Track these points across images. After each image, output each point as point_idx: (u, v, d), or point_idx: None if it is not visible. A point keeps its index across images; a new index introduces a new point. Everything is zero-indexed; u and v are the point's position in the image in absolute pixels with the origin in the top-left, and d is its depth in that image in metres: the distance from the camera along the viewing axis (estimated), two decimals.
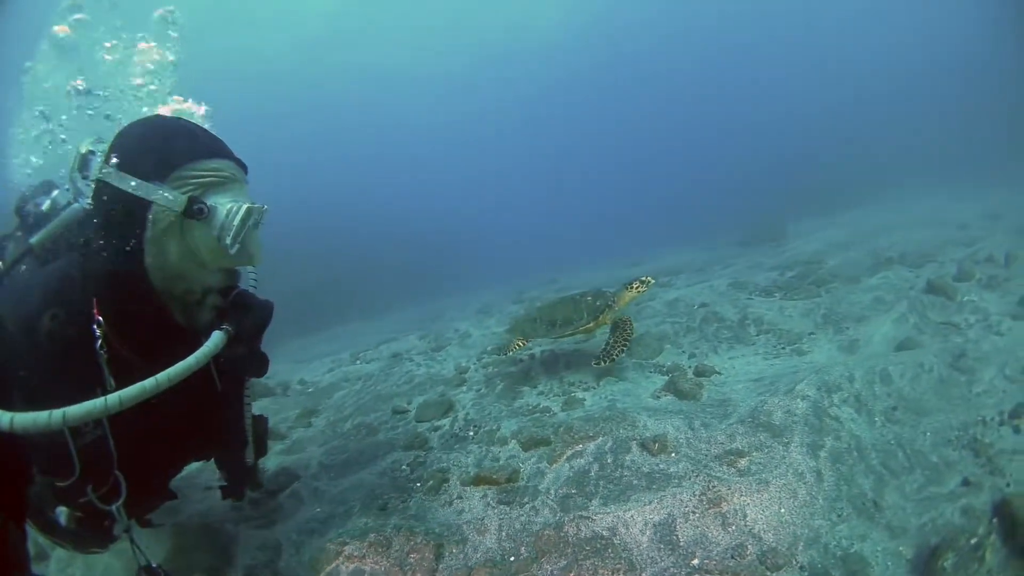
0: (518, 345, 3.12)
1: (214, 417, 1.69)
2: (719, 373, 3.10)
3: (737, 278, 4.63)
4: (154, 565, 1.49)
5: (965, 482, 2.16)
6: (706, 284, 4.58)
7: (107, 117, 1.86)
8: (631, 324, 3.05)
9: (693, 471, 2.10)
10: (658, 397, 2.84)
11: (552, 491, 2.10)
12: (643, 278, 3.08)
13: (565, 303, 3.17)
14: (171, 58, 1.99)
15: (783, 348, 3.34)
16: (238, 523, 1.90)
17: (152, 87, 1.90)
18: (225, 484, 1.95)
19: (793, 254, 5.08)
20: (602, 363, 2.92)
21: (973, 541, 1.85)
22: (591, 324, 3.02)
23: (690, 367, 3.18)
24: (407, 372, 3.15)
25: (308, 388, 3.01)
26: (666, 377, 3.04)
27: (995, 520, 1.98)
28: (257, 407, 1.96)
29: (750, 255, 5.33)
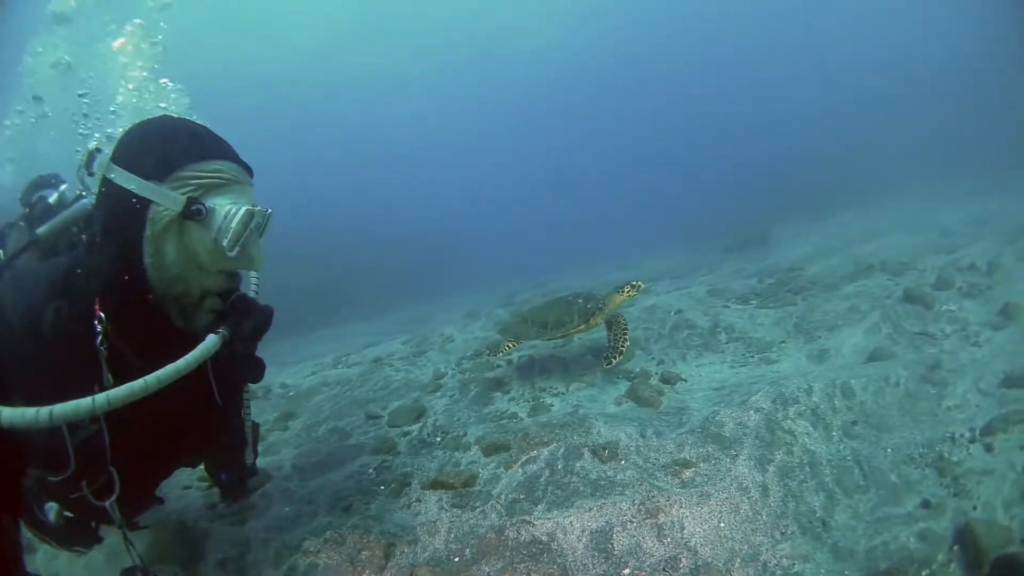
0: (508, 346, 3.01)
1: (210, 420, 1.59)
2: (684, 380, 2.87)
3: (716, 284, 4.30)
4: (144, 566, 1.43)
5: (925, 504, 1.87)
6: (685, 290, 4.29)
7: (81, 96, 1.80)
8: (624, 319, 2.86)
9: (637, 480, 1.93)
10: (620, 404, 2.66)
11: (503, 496, 1.98)
12: (634, 282, 2.88)
13: (556, 305, 3.00)
14: (158, 38, 1.92)
15: (751, 356, 3.06)
16: (212, 520, 1.90)
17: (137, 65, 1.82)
18: (223, 485, 1.85)
19: (776, 260, 4.68)
20: (612, 361, 2.72)
21: (925, 573, 1.57)
22: (582, 326, 2.85)
23: (657, 374, 2.97)
24: (386, 377, 3.09)
25: (289, 392, 3.00)
26: (631, 383, 2.85)
27: (956, 547, 1.69)
28: None
29: (733, 261, 4.95)
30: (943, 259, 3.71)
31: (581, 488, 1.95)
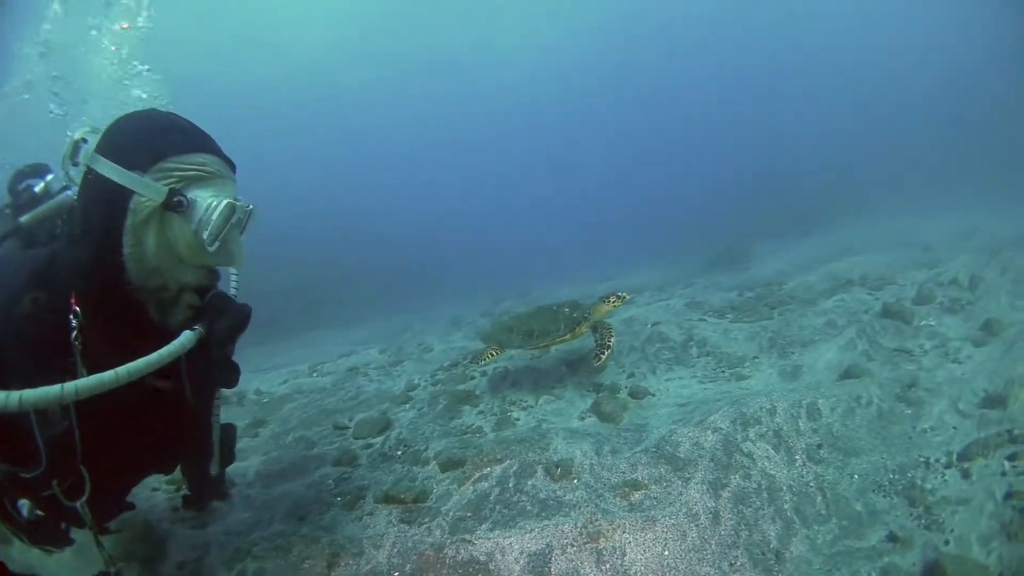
0: (491, 354, 2.89)
1: (180, 424, 1.49)
2: (653, 395, 2.69)
3: (695, 297, 4.10)
4: (116, 570, 1.35)
5: (891, 537, 1.64)
6: (663, 303, 4.10)
7: (55, 78, 1.77)
8: (610, 325, 2.74)
9: (585, 501, 1.78)
10: (583, 418, 2.50)
11: (451, 513, 1.86)
12: (619, 293, 2.74)
13: (542, 314, 2.85)
14: (141, 23, 1.90)
15: (722, 372, 2.86)
16: (175, 522, 1.87)
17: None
18: (188, 494, 1.78)
19: (755, 275, 4.44)
20: (600, 357, 2.60)
21: None
22: (567, 335, 2.71)
23: (626, 387, 2.80)
24: (358, 387, 3.00)
25: (263, 399, 2.92)
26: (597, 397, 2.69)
27: None
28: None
29: (714, 274, 4.73)
30: (924, 274, 3.42)
31: (528, 508, 1.80)
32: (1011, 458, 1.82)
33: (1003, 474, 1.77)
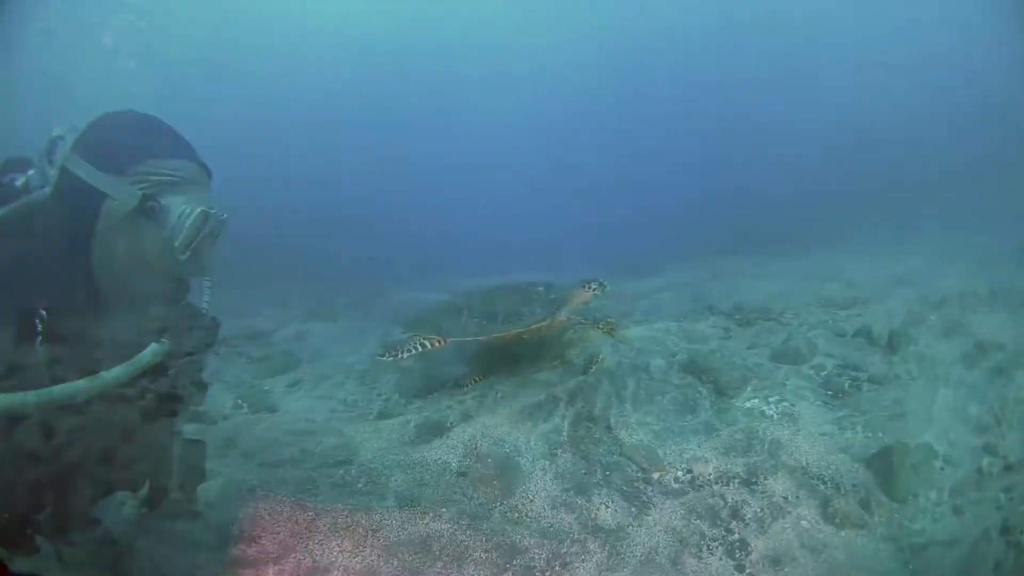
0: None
1: (143, 439, 1.39)
2: (631, 425, 2.58)
3: (681, 320, 4.02)
4: None
5: None
6: (650, 325, 4.02)
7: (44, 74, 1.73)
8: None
9: (538, 546, 1.67)
10: (555, 453, 2.39)
11: (400, 553, 1.76)
12: (600, 280, 2.46)
13: (509, 292, 2.47)
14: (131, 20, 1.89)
15: (702, 401, 2.74)
16: (136, 538, 1.79)
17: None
18: (146, 510, 1.67)
19: (744, 297, 4.36)
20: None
21: None
22: (544, 321, 2.32)
23: (604, 418, 2.69)
24: (332, 409, 2.96)
25: (238, 416, 2.86)
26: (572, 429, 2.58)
27: None
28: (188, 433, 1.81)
29: (702, 295, 4.68)
30: (912, 294, 3.33)
31: (479, 554, 1.70)
32: (1007, 490, 1.68)
33: (998, 508, 1.63)
